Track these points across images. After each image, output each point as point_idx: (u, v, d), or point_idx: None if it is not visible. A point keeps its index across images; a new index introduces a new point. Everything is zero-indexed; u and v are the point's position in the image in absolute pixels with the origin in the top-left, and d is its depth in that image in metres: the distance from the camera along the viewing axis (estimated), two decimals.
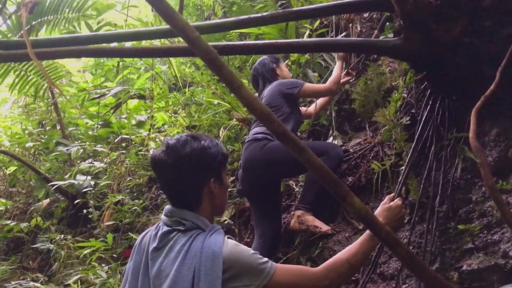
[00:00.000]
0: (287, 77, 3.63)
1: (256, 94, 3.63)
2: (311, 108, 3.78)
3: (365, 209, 1.25)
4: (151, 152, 5.10)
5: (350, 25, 4.48)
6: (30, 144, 5.97)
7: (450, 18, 2.23)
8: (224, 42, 2.01)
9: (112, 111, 5.67)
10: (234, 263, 1.61)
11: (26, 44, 2.08)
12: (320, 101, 3.71)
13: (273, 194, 3.37)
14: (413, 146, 2.46)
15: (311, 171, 1.20)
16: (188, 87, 5.82)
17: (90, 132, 5.55)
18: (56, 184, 5.16)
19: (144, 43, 3.82)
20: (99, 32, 2.95)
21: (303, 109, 3.72)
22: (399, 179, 2.42)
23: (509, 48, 2.14)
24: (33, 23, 3.37)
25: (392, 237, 1.30)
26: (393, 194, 2.10)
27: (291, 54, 4.27)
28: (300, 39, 2.71)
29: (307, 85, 3.45)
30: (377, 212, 1.89)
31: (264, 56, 3.69)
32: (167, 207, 1.80)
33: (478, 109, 1.74)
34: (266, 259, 1.66)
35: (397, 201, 1.92)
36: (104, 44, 2.09)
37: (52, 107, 6.43)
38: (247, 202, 3.92)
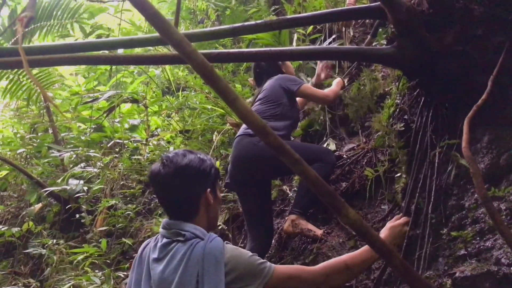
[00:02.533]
0: (291, 74, 3.59)
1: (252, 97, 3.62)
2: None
3: (360, 220, 1.26)
4: (145, 157, 5.10)
5: (344, 30, 4.51)
6: (21, 150, 5.94)
7: (442, 26, 2.26)
8: (218, 50, 2.02)
9: (105, 115, 5.64)
10: (235, 266, 1.70)
11: (18, 51, 2.07)
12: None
13: (264, 195, 3.30)
14: (410, 159, 2.48)
15: (306, 183, 1.21)
16: (182, 91, 5.82)
17: (82, 137, 5.53)
18: (49, 190, 5.13)
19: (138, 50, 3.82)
20: (93, 40, 2.94)
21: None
22: (406, 194, 2.46)
23: (501, 56, 2.17)
24: (26, 30, 3.34)
25: (386, 247, 1.31)
26: (400, 214, 2.19)
27: None
28: (294, 47, 2.72)
29: (307, 85, 3.42)
30: (381, 231, 2.07)
31: None
32: (165, 220, 1.87)
33: (470, 118, 1.76)
34: (264, 260, 1.76)
35: (402, 219, 2.01)
36: (97, 52, 2.08)
37: (44, 110, 6.39)
38: (241, 207, 3.93)
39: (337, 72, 4.18)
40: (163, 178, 1.81)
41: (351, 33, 4.79)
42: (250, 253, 1.76)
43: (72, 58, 2.05)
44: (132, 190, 5.15)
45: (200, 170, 1.82)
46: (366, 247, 1.85)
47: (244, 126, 3.30)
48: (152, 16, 1.00)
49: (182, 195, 1.81)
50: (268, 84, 3.42)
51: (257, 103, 3.39)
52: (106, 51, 2.25)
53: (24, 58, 0.93)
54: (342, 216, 1.23)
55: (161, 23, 1.01)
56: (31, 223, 5.49)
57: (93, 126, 5.97)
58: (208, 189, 1.85)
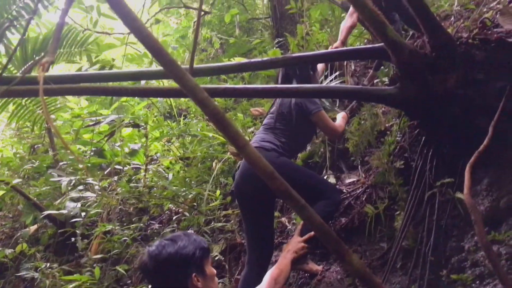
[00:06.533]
0: None
1: None
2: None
3: (364, 267, 1.27)
4: (143, 182, 5.09)
5: (346, 64, 4.59)
6: (17, 181, 5.89)
7: (444, 69, 2.30)
8: (223, 85, 2.05)
9: (105, 138, 5.65)
10: None
11: (28, 80, 2.10)
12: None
13: (267, 214, 3.11)
14: (410, 197, 2.49)
15: (311, 228, 1.22)
16: (183, 117, 5.86)
17: (81, 166, 5.53)
18: (46, 213, 5.10)
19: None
20: (102, 71, 3.01)
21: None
22: (399, 231, 2.45)
23: (501, 101, 2.21)
24: (36, 58, 3.42)
25: None
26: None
27: None
28: (299, 85, 2.76)
29: (324, 113, 3.18)
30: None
31: None
32: None
33: (472, 165, 1.78)
34: None
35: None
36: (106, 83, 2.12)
37: (45, 131, 6.40)
38: (239, 237, 3.90)
39: (337, 105, 4.24)
40: (149, 273, 1.96)
41: (353, 67, 4.87)
42: None
43: (81, 89, 2.08)
44: (129, 215, 5.11)
45: (180, 260, 1.91)
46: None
47: (258, 137, 3.15)
48: (168, 63, 1.03)
49: (168, 286, 1.92)
50: (285, 101, 3.19)
51: (270, 115, 3.27)
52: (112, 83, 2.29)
53: (44, 102, 0.96)
54: (346, 263, 1.24)
55: (176, 71, 1.04)
56: (25, 245, 5.42)
57: (93, 149, 5.97)
58: (193, 274, 1.92)
